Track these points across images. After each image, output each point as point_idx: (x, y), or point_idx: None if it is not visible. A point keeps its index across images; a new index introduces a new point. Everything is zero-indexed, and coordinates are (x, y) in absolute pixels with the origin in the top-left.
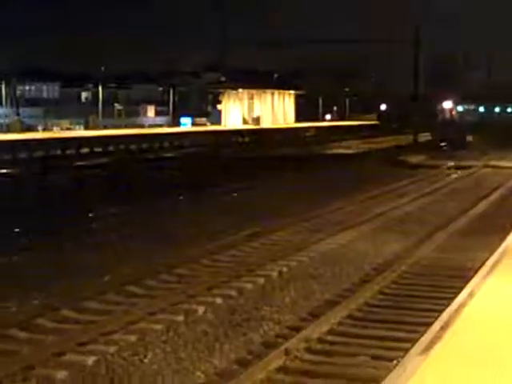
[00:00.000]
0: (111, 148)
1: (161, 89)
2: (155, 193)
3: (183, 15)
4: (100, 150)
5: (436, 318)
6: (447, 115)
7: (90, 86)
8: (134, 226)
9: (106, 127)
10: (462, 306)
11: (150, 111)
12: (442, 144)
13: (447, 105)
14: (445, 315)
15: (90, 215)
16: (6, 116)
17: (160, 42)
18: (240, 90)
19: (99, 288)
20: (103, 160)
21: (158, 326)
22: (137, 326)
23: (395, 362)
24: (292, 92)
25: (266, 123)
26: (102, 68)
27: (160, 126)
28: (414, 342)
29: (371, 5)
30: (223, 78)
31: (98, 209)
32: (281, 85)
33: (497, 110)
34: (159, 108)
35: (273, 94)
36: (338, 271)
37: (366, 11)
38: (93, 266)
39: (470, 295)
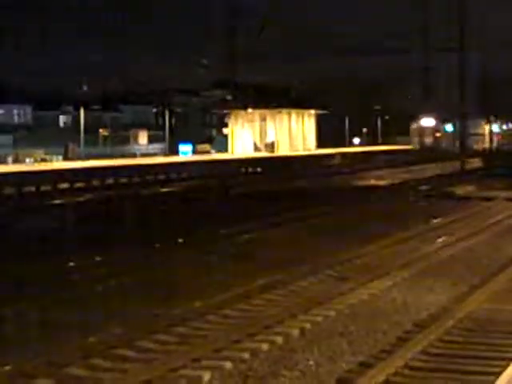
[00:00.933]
0: (95, 183)
1: (155, 110)
2: (151, 236)
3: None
4: (82, 185)
5: (491, 383)
6: (427, 139)
7: (70, 108)
8: (122, 276)
9: (89, 158)
10: None
11: (142, 137)
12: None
13: (427, 123)
14: (502, 380)
15: (71, 264)
16: None
17: (156, 55)
18: (250, 111)
19: (83, 351)
20: (86, 197)
21: None
22: None
23: None
24: (313, 112)
25: (283, 150)
26: (85, 87)
27: (154, 155)
28: None
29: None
30: (229, 97)
31: (81, 257)
32: (299, 103)
33: None
34: (153, 133)
35: (290, 114)
36: (371, 328)
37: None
38: (74, 324)
39: None
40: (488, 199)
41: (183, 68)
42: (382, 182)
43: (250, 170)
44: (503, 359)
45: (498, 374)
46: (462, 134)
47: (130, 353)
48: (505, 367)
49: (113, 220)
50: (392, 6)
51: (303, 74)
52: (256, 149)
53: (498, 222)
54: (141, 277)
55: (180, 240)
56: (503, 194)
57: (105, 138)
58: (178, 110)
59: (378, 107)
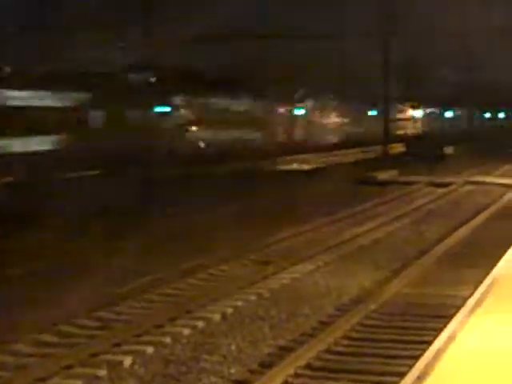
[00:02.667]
0: None
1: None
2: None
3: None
4: None
5: (411, 367)
6: None
7: None
8: (44, 259)
9: None
10: (442, 350)
11: None
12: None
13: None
14: (421, 363)
15: None
16: None
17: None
18: None
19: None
20: None
21: (76, 382)
22: (50, 382)
23: None
24: None
25: None
26: None
27: None
28: None
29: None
30: (153, 79)
31: None
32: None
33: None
34: None
35: None
36: (293, 312)
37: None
38: None
39: (451, 337)
40: (410, 184)
41: (105, 50)
42: (305, 167)
43: None
44: (422, 343)
45: (417, 358)
46: (385, 119)
47: (52, 338)
48: (424, 350)
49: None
50: None
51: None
52: None
53: (420, 207)
54: (52, 261)
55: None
56: (425, 178)
57: None
58: None
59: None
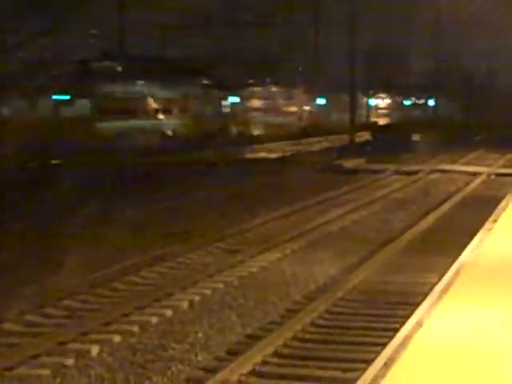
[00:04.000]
0: None
1: None
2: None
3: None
4: None
5: (378, 354)
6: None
7: None
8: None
9: None
10: (409, 337)
11: None
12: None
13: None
14: (388, 350)
15: None
16: None
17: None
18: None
19: None
20: None
21: (44, 372)
22: (16, 371)
23: None
24: None
25: None
26: None
27: None
28: (352, 381)
29: None
30: (120, 68)
31: None
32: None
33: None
34: None
35: None
36: (260, 300)
37: None
38: None
39: (418, 324)
40: (376, 172)
41: (76, 38)
42: (272, 155)
43: None
44: (389, 330)
45: (384, 345)
46: (351, 108)
47: (18, 327)
48: (391, 338)
49: None
50: None
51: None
52: None
53: (386, 195)
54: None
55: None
56: (391, 166)
57: None
58: None
59: (268, 80)
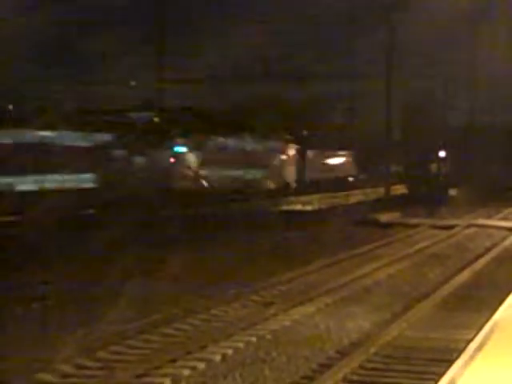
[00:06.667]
0: None
1: None
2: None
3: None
4: None
5: None
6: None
7: None
8: None
9: None
10: None
11: None
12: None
13: None
14: None
15: None
16: None
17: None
18: None
19: None
20: None
21: None
22: None
23: None
24: None
25: None
26: None
27: None
28: None
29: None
30: (156, 119)
31: None
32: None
33: None
34: None
35: None
36: (293, 354)
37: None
38: None
39: (452, 383)
40: (412, 226)
41: (112, 88)
42: (308, 207)
43: None
44: None
45: None
46: (387, 161)
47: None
48: None
49: None
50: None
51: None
52: None
53: (421, 250)
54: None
55: None
56: (428, 221)
57: None
58: None
59: (305, 132)
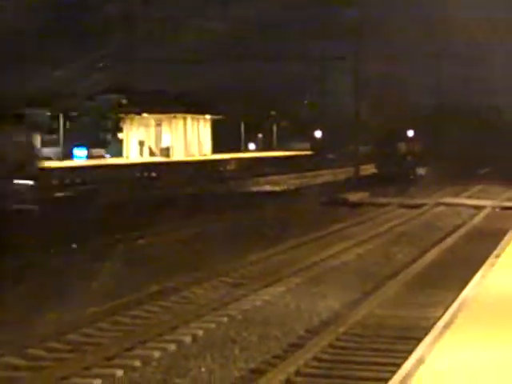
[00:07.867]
0: None
1: (49, 114)
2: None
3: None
4: None
5: None
6: None
7: None
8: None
9: None
10: (410, 375)
11: (36, 141)
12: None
13: None
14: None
15: None
16: None
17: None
18: (145, 115)
19: None
20: None
21: None
22: None
23: None
24: (208, 117)
25: (178, 155)
26: None
27: (49, 159)
28: None
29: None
30: (124, 101)
31: None
32: (195, 108)
33: None
34: (47, 137)
35: (185, 119)
36: (263, 334)
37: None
38: None
39: (420, 360)
40: (381, 205)
41: (79, 71)
42: (276, 188)
43: (146, 174)
44: (393, 365)
45: (387, 380)
46: (356, 141)
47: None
48: (394, 372)
49: None
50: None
51: (200, 79)
52: (151, 153)
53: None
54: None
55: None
56: (397, 200)
57: None
58: (73, 113)
59: (273, 113)
